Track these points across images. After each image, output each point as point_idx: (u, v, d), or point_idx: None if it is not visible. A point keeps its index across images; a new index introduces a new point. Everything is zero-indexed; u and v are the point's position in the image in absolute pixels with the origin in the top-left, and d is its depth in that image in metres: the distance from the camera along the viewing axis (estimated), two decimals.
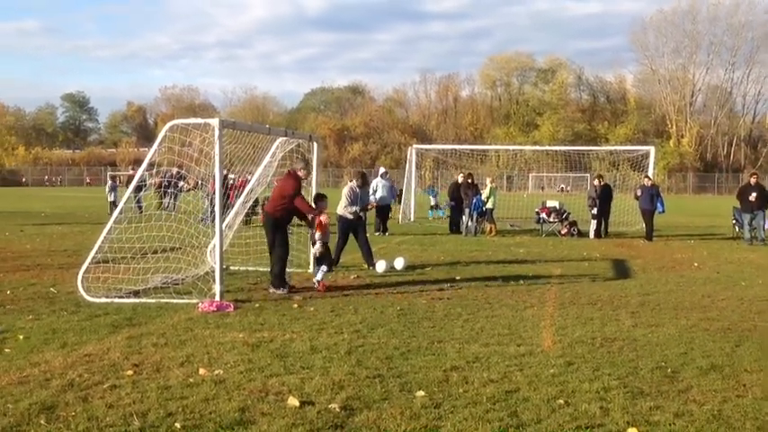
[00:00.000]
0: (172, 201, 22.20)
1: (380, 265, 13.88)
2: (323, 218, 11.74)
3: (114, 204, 31.07)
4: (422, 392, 6.15)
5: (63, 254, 15.98)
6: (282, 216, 11.56)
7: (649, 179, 23.15)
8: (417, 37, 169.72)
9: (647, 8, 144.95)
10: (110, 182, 32.18)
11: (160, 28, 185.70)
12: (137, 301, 10.27)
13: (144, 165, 11.34)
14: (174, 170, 16.09)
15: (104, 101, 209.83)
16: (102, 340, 7.95)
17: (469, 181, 23.68)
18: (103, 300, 10.24)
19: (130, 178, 31.76)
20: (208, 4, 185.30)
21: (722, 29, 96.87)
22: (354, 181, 14.90)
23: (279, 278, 11.41)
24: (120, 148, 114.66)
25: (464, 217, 23.27)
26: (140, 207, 30.24)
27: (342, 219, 14.53)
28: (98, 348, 7.57)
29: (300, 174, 11.83)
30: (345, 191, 14.73)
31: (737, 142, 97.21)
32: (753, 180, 21.69)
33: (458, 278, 13.08)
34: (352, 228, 14.59)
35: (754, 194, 20.88)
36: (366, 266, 14.31)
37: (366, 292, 11.45)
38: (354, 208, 14.41)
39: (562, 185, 72.26)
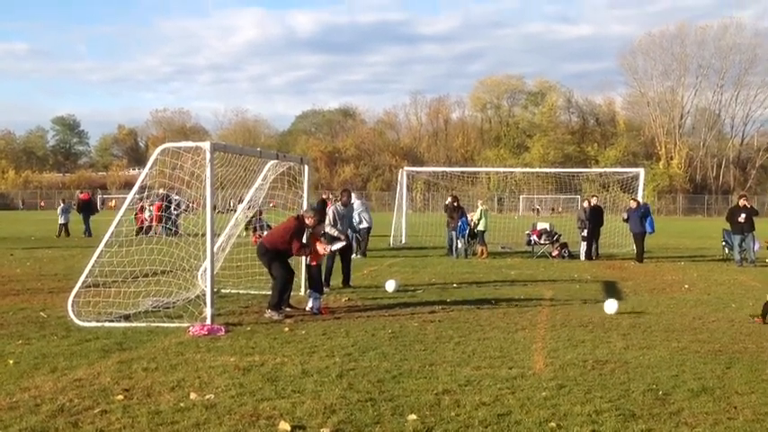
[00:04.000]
0: (172, 224, 22.16)
1: (390, 285, 14.22)
2: (319, 247, 11.84)
3: (65, 227, 31.05)
4: (414, 416, 6.14)
5: (53, 278, 15.91)
6: (278, 250, 11.52)
7: (636, 201, 23.27)
8: (409, 59, 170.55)
9: (636, 31, 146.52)
10: (62, 204, 32.19)
11: (151, 51, 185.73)
12: (127, 325, 10.23)
13: (135, 188, 11.36)
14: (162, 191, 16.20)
15: (95, 124, 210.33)
16: (93, 365, 7.91)
17: (455, 204, 23.76)
18: (94, 324, 10.19)
19: (82, 201, 31.91)
20: (198, 27, 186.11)
21: (710, 52, 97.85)
22: (339, 201, 15.15)
23: (276, 300, 11.33)
24: (111, 172, 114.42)
25: (453, 239, 23.30)
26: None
27: (329, 237, 14.54)
28: (88, 373, 7.53)
29: (308, 221, 11.77)
30: (329, 211, 14.86)
31: (726, 164, 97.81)
32: (742, 202, 21.80)
33: (449, 300, 13.08)
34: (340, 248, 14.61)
35: (743, 216, 20.99)
36: (341, 286, 14.76)
37: (357, 315, 11.44)
38: (336, 231, 14.46)
39: (536, 207, 72.47)
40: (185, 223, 15.79)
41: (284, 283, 11.36)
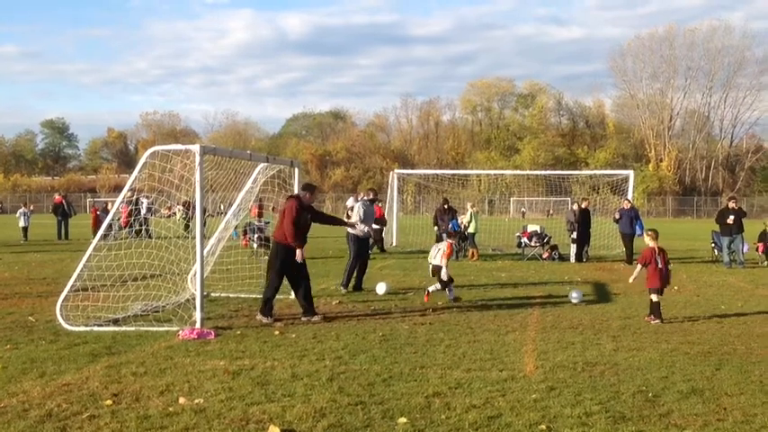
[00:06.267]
0: (144, 227, 22.23)
1: (381, 287, 14.24)
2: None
3: (25, 230, 31.08)
4: (404, 419, 6.13)
5: (42, 282, 15.83)
6: (283, 244, 11.33)
7: (629, 202, 23.36)
8: (400, 61, 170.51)
9: (626, 33, 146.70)
10: (22, 208, 32.32)
11: (141, 53, 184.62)
12: (116, 329, 10.18)
13: (124, 191, 11.34)
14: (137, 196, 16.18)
15: (85, 127, 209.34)
16: (81, 369, 7.87)
17: (446, 206, 23.82)
18: (83, 328, 10.15)
19: (55, 205, 32.07)
20: (189, 29, 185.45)
21: (699, 54, 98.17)
22: (366, 198, 15.28)
23: (266, 305, 11.23)
24: (101, 175, 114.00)
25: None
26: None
27: (353, 237, 14.64)
28: (77, 378, 7.49)
29: (307, 197, 11.79)
30: (356, 208, 14.95)
31: (716, 166, 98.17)
32: (731, 204, 21.90)
33: (440, 303, 13.08)
34: (363, 247, 14.74)
35: (731, 218, 21.08)
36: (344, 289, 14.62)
37: (348, 318, 11.42)
38: (364, 227, 14.55)
39: (523, 210, 72.66)
40: (175, 226, 15.73)
41: (273, 287, 11.30)
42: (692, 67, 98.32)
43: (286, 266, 11.35)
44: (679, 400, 6.83)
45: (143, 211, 26.45)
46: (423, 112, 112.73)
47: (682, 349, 9.22)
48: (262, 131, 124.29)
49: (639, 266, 11.74)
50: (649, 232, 12.19)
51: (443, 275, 13.27)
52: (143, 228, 22.51)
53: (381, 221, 25.52)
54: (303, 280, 11.40)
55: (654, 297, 11.53)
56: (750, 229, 22.69)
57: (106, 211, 29.85)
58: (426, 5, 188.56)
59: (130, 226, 23.25)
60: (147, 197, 20.90)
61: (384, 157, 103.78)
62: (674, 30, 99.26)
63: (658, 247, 11.84)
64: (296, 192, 14.05)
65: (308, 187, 12.08)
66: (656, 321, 11.30)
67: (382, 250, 25.24)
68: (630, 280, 11.95)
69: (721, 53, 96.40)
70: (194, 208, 16.09)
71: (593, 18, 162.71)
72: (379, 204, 26.91)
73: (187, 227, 24.91)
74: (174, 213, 23.18)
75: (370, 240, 24.04)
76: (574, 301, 13.32)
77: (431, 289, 13.42)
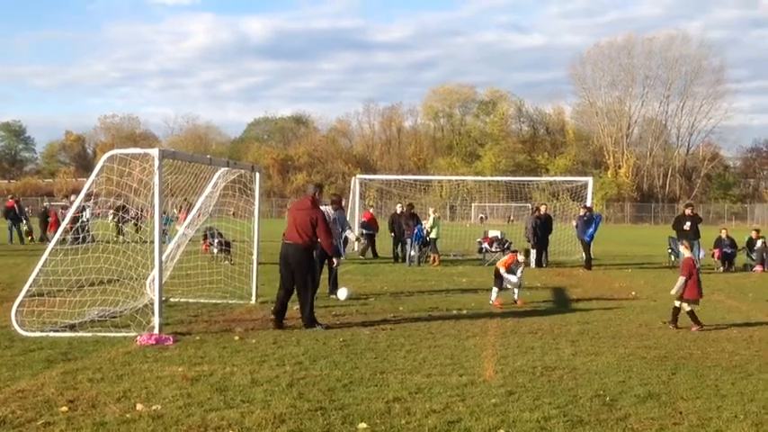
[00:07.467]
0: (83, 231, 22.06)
1: (342, 293, 14.18)
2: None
3: None
4: (364, 425, 6.13)
5: None
6: (313, 245, 11.27)
7: (586, 208, 23.68)
8: (362, 67, 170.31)
9: (587, 42, 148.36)
10: None
11: (101, 56, 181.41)
12: (73, 334, 10.02)
13: (81, 195, 11.18)
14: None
15: (43, 130, 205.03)
16: (37, 376, 7.73)
17: (411, 212, 23.92)
18: (38, 334, 9.97)
19: (6, 209, 31.97)
20: (150, 32, 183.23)
21: (657, 63, 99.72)
22: (330, 205, 14.87)
23: (311, 317, 11.09)
24: (58, 179, 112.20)
25: (407, 247, 23.39)
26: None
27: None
28: (32, 384, 7.36)
29: (318, 198, 11.69)
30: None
31: (673, 173, 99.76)
32: (688, 211, 22.30)
33: (401, 308, 13.10)
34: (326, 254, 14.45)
35: (688, 224, 21.47)
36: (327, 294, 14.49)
37: None
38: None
39: (481, 215, 73.17)
40: (132, 230, 15.50)
41: (311, 298, 11.19)
42: (650, 75, 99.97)
43: (315, 268, 11.42)
44: (636, 405, 6.92)
45: (87, 216, 26.22)
46: (385, 117, 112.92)
47: (638, 354, 9.34)
48: (223, 136, 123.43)
49: (683, 279, 11.54)
50: (685, 242, 12.39)
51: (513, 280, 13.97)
52: (89, 233, 22.24)
53: (372, 226, 25.77)
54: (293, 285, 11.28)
55: (686, 306, 11.55)
56: (706, 236, 23.10)
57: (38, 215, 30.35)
58: (389, 12, 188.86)
59: (75, 232, 23.03)
60: (93, 202, 20.81)
61: (346, 162, 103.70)
62: (633, 39, 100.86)
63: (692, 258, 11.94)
64: (256, 195, 13.99)
65: (318, 188, 11.86)
66: (696, 328, 11.29)
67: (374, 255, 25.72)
68: (672, 292, 11.70)
69: (678, 62, 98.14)
70: (128, 212, 15.61)
71: (554, 26, 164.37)
72: (370, 209, 27.00)
73: (119, 232, 24.72)
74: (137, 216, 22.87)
75: (359, 244, 24.15)
76: (516, 296, 13.99)
77: (516, 298, 14.02)
